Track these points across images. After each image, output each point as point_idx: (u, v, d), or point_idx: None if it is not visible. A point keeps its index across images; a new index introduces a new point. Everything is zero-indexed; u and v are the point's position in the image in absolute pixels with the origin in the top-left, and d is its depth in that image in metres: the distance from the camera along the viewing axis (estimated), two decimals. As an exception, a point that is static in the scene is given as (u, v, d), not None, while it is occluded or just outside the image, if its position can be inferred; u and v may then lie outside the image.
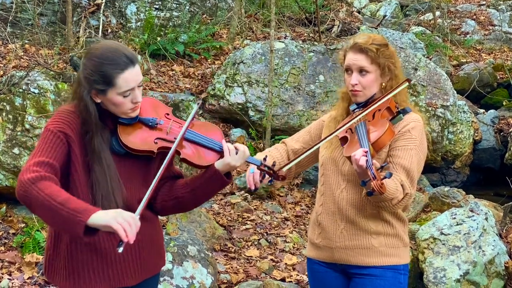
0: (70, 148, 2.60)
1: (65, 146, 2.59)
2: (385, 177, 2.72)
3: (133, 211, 2.60)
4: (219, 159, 2.75)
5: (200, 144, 2.76)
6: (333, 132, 3.06)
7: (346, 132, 2.99)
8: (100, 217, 2.39)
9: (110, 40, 2.83)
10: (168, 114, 2.80)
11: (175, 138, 2.71)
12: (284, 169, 3.06)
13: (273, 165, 2.90)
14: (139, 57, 2.74)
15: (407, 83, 3.10)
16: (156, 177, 2.60)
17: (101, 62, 2.61)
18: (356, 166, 2.79)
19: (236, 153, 2.75)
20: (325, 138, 3.08)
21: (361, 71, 3.04)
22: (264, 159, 2.86)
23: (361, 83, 3.05)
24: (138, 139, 2.68)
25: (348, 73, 3.10)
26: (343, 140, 3.00)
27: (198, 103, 2.98)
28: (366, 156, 2.76)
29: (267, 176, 2.91)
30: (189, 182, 2.81)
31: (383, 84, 3.07)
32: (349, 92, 3.11)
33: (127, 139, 2.67)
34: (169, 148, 2.69)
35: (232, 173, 7.84)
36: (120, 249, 2.41)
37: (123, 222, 2.39)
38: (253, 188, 2.95)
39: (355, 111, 3.09)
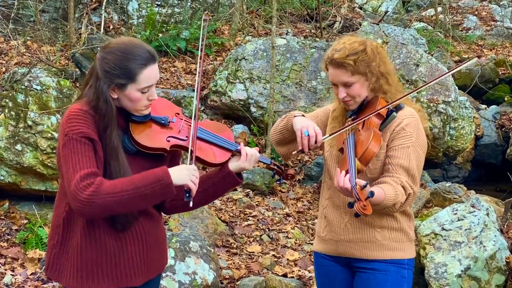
0: (95, 147, 2.59)
1: (92, 147, 2.57)
2: (368, 197, 2.70)
3: (144, 210, 2.71)
4: (230, 157, 2.79)
5: (212, 143, 2.79)
6: (332, 134, 3.08)
7: (343, 143, 3.00)
8: (177, 178, 2.59)
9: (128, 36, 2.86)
10: (178, 114, 2.81)
11: (187, 137, 2.73)
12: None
13: (282, 164, 2.96)
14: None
15: (475, 59, 3.19)
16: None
17: (125, 57, 2.59)
18: (342, 191, 2.81)
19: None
20: (330, 135, 3.10)
21: (346, 84, 3.04)
22: (273, 158, 2.90)
23: (349, 94, 3.04)
24: (150, 137, 2.68)
25: (334, 85, 3.10)
26: (341, 151, 3.02)
27: (205, 19, 2.97)
28: (350, 176, 2.76)
29: (276, 176, 2.97)
30: (200, 181, 2.78)
31: (371, 85, 3.06)
32: (341, 101, 3.12)
33: (139, 136, 2.67)
34: (182, 146, 2.72)
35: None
36: (191, 204, 2.64)
37: (195, 179, 2.63)
38: (306, 150, 2.98)
39: (352, 116, 3.09)
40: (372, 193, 2.71)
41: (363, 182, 2.75)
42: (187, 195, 2.60)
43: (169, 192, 2.57)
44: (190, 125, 2.75)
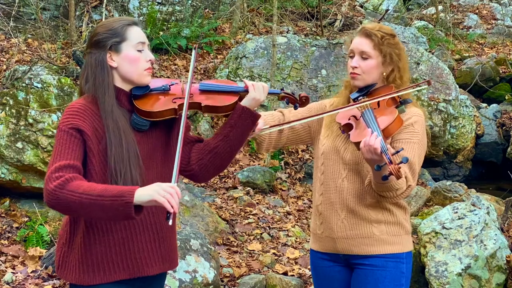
0: (85, 139, 2.58)
1: (80, 140, 2.57)
2: (401, 162, 2.71)
3: None
4: (239, 100, 2.80)
5: (216, 91, 2.82)
6: (338, 109, 3.06)
7: (349, 119, 2.98)
8: (143, 194, 2.42)
9: None
10: (178, 83, 2.86)
11: (191, 95, 2.76)
12: (288, 125, 3.08)
13: (293, 92, 2.95)
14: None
15: (426, 85, 3.13)
16: (181, 131, 2.64)
17: (109, 24, 2.73)
18: (368, 151, 2.78)
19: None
20: (331, 111, 3.08)
21: (363, 55, 3.05)
22: (282, 88, 2.92)
23: (361, 67, 3.05)
24: (157, 104, 2.72)
25: (350, 56, 3.11)
26: (347, 126, 2.99)
27: (195, 47, 3.03)
28: (380, 139, 2.76)
29: (290, 104, 2.95)
30: (220, 130, 2.82)
31: (385, 73, 3.07)
32: (348, 76, 3.12)
33: (145, 106, 2.71)
34: (189, 104, 2.73)
35: (234, 168, 7.86)
36: (170, 222, 2.43)
37: (165, 194, 2.41)
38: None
39: (359, 98, 3.07)
40: (406, 159, 2.70)
41: (393, 150, 2.78)
42: (167, 214, 2.44)
43: (127, 210, 2.42)
44: (192, 84, 2.78)
